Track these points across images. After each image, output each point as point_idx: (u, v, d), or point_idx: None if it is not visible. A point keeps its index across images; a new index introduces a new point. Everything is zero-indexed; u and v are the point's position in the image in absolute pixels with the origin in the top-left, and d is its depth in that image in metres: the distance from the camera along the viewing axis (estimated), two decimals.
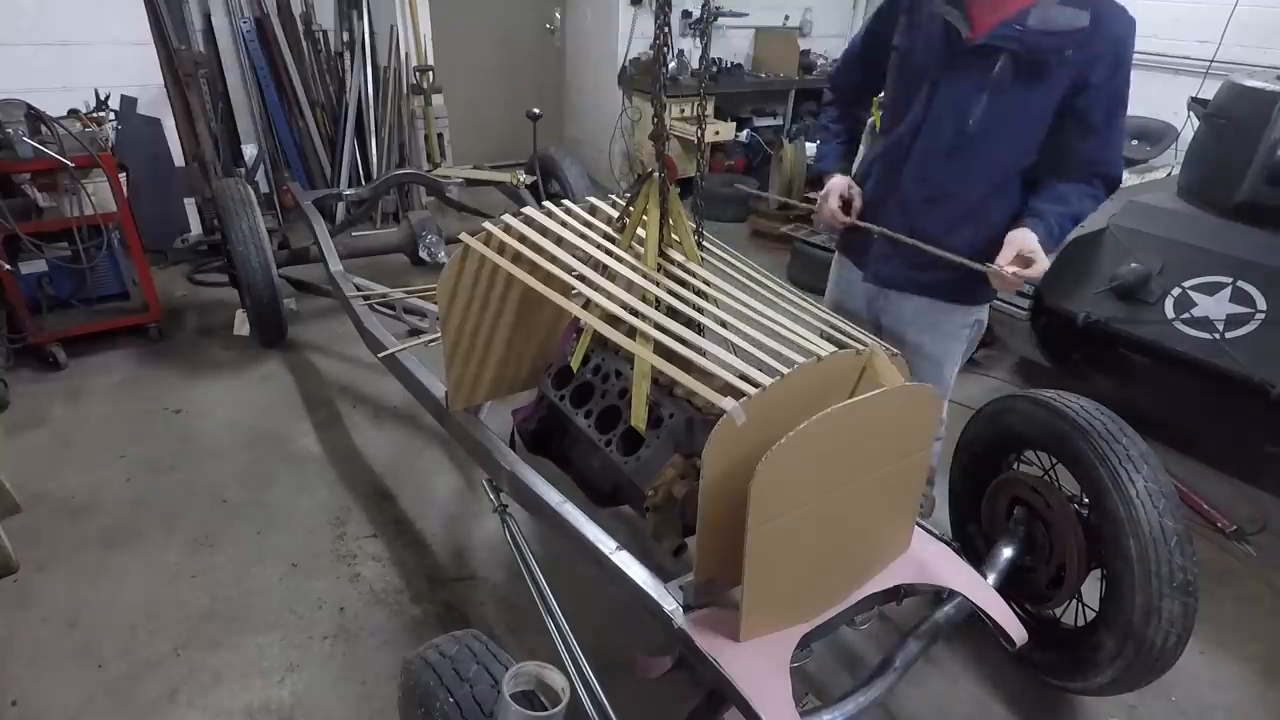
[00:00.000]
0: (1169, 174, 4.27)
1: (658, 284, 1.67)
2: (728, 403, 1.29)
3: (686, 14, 5.95)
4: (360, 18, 5.15)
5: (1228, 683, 2.20)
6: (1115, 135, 1.83)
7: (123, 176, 3.61)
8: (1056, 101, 1.78)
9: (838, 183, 2.07)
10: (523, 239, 1.84)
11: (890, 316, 2.15)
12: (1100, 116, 1.79)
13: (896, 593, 1.66)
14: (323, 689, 2.06)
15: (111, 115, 3.82)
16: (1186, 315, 2.88)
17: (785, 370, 1.36)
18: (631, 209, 1.82)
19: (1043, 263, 1.75)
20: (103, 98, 3.85)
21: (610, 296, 1.61)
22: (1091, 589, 1.89)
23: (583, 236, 1.83)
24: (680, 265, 1.75)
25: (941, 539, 1.82)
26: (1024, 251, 1.74)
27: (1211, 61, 4.82)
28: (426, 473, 2.95)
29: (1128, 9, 1.74)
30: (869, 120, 2.17)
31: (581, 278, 1.69)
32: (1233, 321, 2.78)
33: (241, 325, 3.91)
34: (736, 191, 5.53)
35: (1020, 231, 1.77)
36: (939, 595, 1.77)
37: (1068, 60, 1.72)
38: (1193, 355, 2.85)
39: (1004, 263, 1.74)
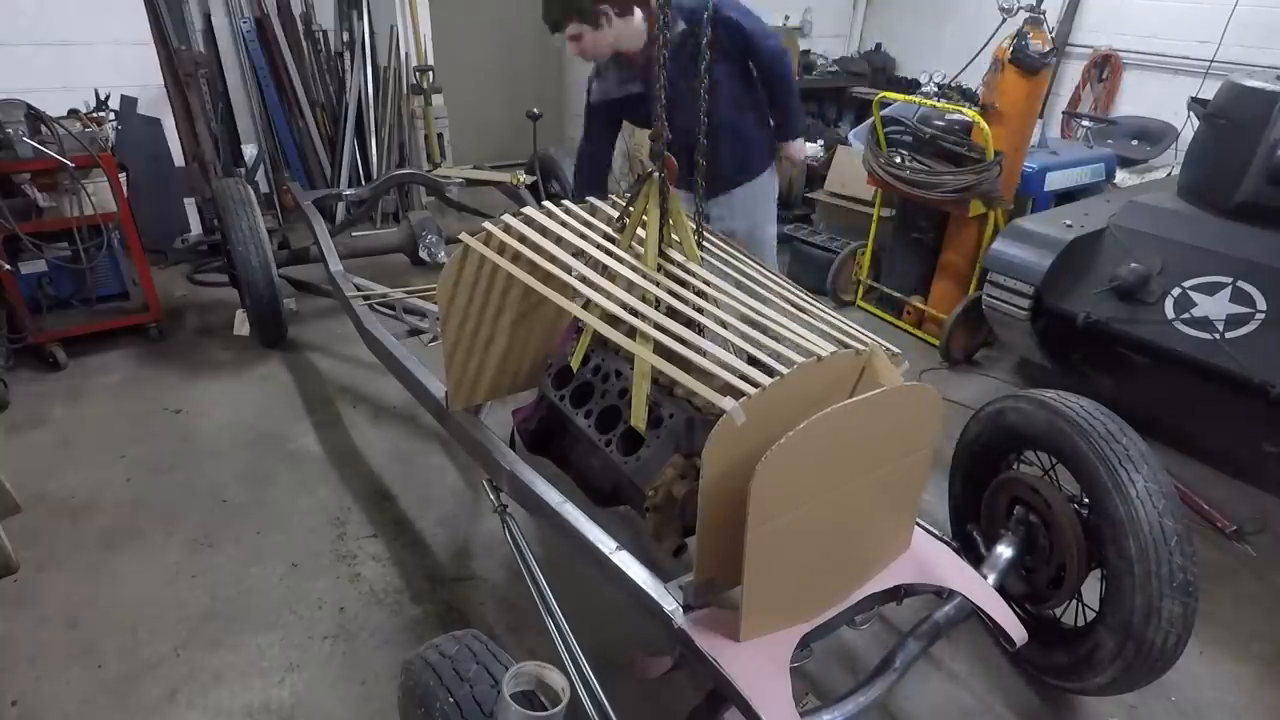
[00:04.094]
0: (1169, 174, 4.28)
1: (657, 284, 1.67)
2: (727, 403, 1.29)
3: None
4: (360, 18, 5.16)
5: (1228, 683, 2.19)
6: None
7: (123, 176, 3.61)
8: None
9: None
10: (523, 239, 1.84)
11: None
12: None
13: (896, 593, 1.67)
14: (323, 689, 2.06)
15: (111, 115, 3.82)
16: (1186, 315, 2.88)
17: (785, 370, 1.36)
18: (631, 209, 1.82)
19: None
20: (103, 98, 3.86)
21: (610, 296, 1.61)
22: (1091, 589, 1.89)
23: (583, 236, 1.83)
24: (680, 265, 1.75)
25: (941, 539, 1.82)
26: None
27: (1211, 61, 4.82)
28: (426, 473, 2.95)
29: None
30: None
31: (581, 278, 1.69)
32: (1233, 321, 2.78)
33: (241, 325, 3.91)
34: None
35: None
36: (939, 595, 1.77)
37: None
38: (1193, 355, 2.84)
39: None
